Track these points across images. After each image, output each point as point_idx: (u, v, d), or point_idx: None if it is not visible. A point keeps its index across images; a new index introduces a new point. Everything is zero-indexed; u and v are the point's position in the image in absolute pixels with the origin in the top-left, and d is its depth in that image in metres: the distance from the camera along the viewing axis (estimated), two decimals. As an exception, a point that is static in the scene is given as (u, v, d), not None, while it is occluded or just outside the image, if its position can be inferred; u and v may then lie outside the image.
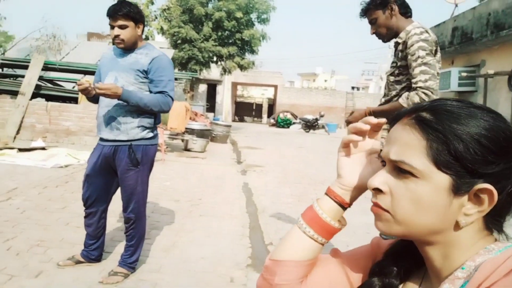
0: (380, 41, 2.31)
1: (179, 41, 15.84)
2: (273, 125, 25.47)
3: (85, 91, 2.39)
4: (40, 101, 8.75)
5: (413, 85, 2.07)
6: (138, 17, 2.46)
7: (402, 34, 2.21)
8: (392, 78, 2.27)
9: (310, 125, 21.57)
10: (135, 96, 2.39)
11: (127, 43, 2.45)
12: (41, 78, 9.11)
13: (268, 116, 29.82)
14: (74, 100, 9.04)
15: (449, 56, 9.17)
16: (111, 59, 2.56)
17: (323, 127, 21.25)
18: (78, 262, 2.65)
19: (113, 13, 2.40)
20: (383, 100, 2.36)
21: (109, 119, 2.49)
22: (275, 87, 29.21)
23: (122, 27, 2.41)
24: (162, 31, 14.96)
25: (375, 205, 0.65)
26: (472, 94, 8.56)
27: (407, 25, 2.21)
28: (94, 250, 2.68)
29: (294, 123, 24.51)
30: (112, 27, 2.43)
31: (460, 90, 8.63)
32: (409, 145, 0.60)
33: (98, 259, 2.71)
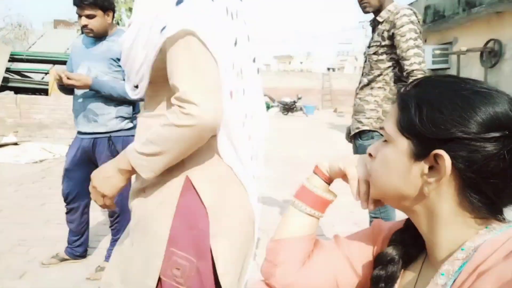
0: (361, 10, 2.28)
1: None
2: (251, 109, 25.39)
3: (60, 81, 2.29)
4: (9, 94, 8.40)
5: (407, 67, 2.07)
6: (106, 5, 2.34)
7: (383, 13, 2.21)
8: (375, 57, 2.26)
9: (288, 108, 21.64)
10: (106, 85, 2.31)
11: (96, 33, 2.36)
12: (8, 70, 8.73)
13: (246, 101, 29.70)
14: (45, 92, 8.73)
15: (422, 34, 9.30)
16: (82, 49, 2.45)
17: (301, 109, 21.35)
18: (63, 259, 2.59)
19: (79, 2, 2.28)
20: (365, 80, 2.35)
21: (86, 111, 2.39)
22: (251, 70, 29.02)
23: (89, 16, 2.30)
24: (131, 11, 14.60)
25: None
26: (445, 71, 8.74)
27: (387, 4, 2.20)
28: (78, 247, 2.61)
29: (272, 106, 24.52)
30: (80, 17, 2.32)
31: (434, 67, 8.80)
32: (390, 114, 0.67)
33: (83, 255, 2.65)
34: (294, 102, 21.70)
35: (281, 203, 4.21)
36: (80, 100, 2.40)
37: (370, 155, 0.71)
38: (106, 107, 2.38)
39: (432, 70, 8.95)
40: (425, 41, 9.60)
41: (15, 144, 7.06)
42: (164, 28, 0.93)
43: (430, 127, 0.58)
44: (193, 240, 1.00)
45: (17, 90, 8.63)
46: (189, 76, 0.91)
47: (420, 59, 2.06)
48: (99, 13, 2.32)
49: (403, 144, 0.62)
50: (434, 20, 8.87)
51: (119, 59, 2.38)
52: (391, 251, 0.71)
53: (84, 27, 2.33)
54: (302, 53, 55.92)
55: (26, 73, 9.67)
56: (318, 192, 0.80)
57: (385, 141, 0.67)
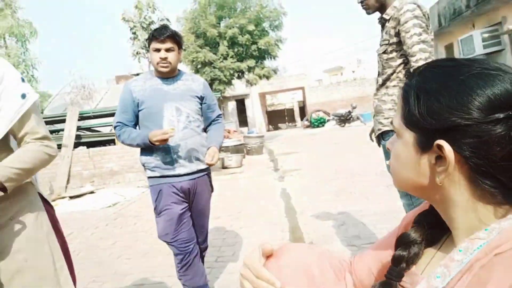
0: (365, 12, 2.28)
1: (199, 66, 16.32)
2: (307, 126, 25.36)
3: (164, 141, 2.18)
4: (82, 149, 9.35)
5: (413, 64, 2.04)
6: (181, 42, 2.34)
7: (389, 11, 2.20)
8: (385, 56, 2.24)
9: (344, 119, 21.29)
10: (217, 141, 2.39)
11: (172, 67, 2.29)
12: (79, 128, 9.75)
13: (301, 119, 29.73)
14: (113, 142, 9.58)
15: (468, 20, 8.83)
16: (156, 90, 2.30)
17: (358, 118, 20.88)
18: None
19: (161, 34, 2.24)
20: (380, 80, 2.35)
21: (189, 151, 2.29)
22: (302, 89, 29.13)
23: (169, 50, 2.26)
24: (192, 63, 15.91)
25: None
26: (500, 54, 8.18)
27: (392, 1, 2.19)
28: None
29: (328, 120, 24.26)
30: (158, 50, 2.25)
31: (486, 52, 8.27)
32: (397, 108, 0.67)
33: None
34: (349, 112, 21.30)
35: (335, 216, 4.20)
36: (180, 142, 2.27)
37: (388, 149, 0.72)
38: (204, 142, 2.36)
39: (485, 54, 8.42)
40: (473, 26, 9.09)
41: (92, 192, 7.82)
42: (24, 95, 1.38)
43: (428, 118, 0.57)
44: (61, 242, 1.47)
45: (89, 144, 9.59)
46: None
47: (426, 55, 2.01)
48: (176, 48, 2.29)
49: (409, 137, 0.62)
50: (478, 3, 8.40)
51: (201, 97, 2.39)
52: (414, 232, 0.69)
53: (162, 60, 2.25)
54: (352, 61, 54.88)
55: (95, 128, 10.72)
56: None
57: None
